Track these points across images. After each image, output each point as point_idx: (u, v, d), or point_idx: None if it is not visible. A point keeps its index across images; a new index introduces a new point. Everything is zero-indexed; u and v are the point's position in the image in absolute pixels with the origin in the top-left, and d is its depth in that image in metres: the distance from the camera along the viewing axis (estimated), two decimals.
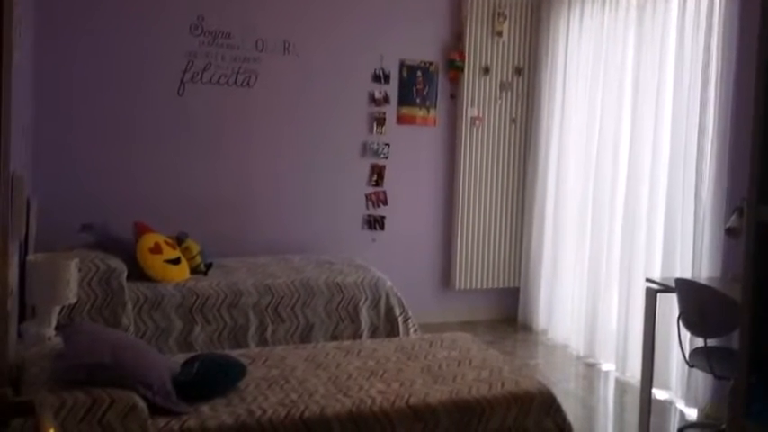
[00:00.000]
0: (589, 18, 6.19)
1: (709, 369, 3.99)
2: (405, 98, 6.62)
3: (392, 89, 6.58)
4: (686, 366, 4.55)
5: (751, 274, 2.08)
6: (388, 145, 6.54)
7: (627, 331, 5.48)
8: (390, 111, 6.59)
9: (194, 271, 5.16)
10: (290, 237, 6.27)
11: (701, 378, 4.77)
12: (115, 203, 5.68)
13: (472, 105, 6.75)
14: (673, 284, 4.28)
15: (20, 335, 3.68)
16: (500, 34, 6.76)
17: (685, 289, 4.16)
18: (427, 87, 6.67)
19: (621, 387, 5.37)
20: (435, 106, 6.72)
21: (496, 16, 6.75)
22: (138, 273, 4.79)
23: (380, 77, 6.53)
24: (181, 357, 3.69)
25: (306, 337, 4.93)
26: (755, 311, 2.08)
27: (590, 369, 5.76)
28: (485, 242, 6.86)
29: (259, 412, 3.12)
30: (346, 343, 4.25)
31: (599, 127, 6.01)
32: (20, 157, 3.94)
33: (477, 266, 6.84)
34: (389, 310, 5.17)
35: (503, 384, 3.57)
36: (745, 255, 2.10)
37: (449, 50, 6.73)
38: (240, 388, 3.37)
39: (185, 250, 5.21)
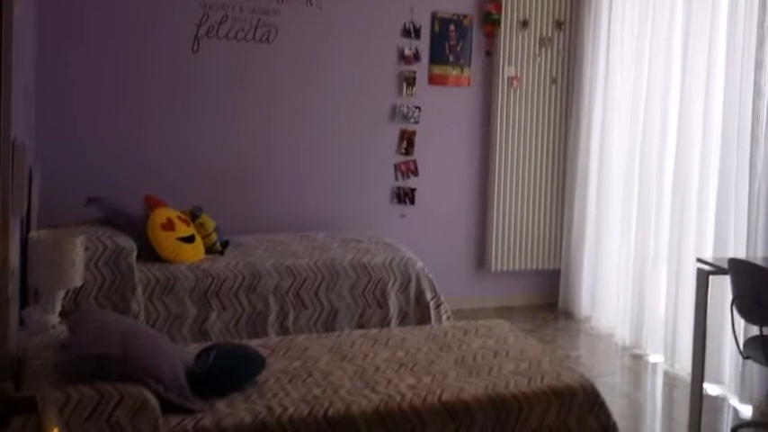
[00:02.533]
0: None
1: (765, 361, 3.89)
2: (437, 55, 6.54)
3: (423, 45, 6.50)
4: (740, 358, 4.47)
5: None
6: (418, 108, 6.48)
7: (676, 318, 5.41)
8: (421, 70, 6.51)
9: (209, 250, 5.14)
10: (313, 211, 6.24)
11: (757, 371, 4.70)
12: (123, 174, 5.68)
13: (509, 64, 6.65)
14: (726, 265, 4.19)
15: (21, 322, 3.68)
16: None
17: (739, 270, 4.05)
18: (461, 43, 6.58)
19: (670, 381, 5.31)
20: (469, 65, 6.63)
21: None
22: (148, 252, 4.77)
23: (410, 32, 6.44)
24: (195, 348, 3.68)
25: (330, 324, 4.90)
26: None
27: (636, 361, 5.70)
28: (523, 218, 6.80)
29: (279, 410, 3.09)
30: (373, 331, 4.21)
31: (646, 89, 5.91)
32: (21, 123, 3.89)
33: (514, 246, 6.78)
34: (420, 294, 5.12)
35: (542, 378, 3.52)
36: None
37: (484, 2, 6.62)
38: (259, 382, 3.34)
39: (200, 227, 5.17)
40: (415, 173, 6.53)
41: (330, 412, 3.13)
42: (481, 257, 6.79)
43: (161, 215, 4.95)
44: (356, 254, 5.24)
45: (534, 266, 6.88)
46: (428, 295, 5.12)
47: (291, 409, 3.11)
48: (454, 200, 6.69)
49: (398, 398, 3.28)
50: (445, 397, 3.32)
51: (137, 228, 4.85)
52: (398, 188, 6.51)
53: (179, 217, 5.06)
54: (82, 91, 5.63)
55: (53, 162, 5.34)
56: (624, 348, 5.94)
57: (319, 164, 6.27)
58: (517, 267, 6.80)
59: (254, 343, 3.84)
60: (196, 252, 4.97)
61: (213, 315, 4.71)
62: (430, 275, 5.22)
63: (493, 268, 6.72)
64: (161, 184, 5.58)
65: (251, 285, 4.81)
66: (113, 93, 5.71)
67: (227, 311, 4.75)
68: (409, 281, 5.13)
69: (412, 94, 6.48)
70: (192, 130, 5.92)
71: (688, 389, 4.63)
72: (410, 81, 6.45)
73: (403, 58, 6.45)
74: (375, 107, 6.42)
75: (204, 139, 5.95)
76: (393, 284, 5.09)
